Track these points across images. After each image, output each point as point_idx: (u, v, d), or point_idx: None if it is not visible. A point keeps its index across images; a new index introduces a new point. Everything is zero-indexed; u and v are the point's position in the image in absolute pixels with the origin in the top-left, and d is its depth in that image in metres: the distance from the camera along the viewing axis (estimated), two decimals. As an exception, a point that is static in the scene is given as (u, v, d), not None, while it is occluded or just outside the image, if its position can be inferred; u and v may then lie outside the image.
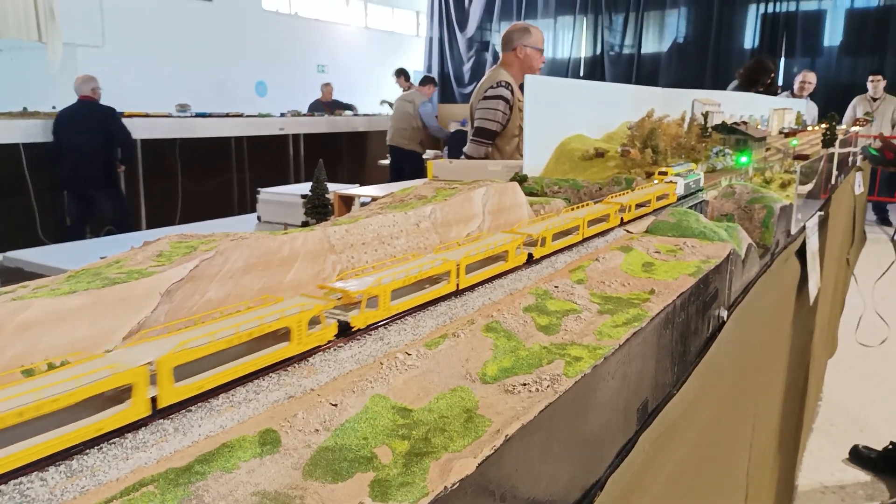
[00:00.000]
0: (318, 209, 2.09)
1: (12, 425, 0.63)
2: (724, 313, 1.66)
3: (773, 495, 2.85)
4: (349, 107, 12.45)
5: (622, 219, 1.85)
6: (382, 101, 11.57)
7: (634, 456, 1.15)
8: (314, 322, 0.94)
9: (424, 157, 9.08)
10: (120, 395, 0.72)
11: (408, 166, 9.42)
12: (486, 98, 4.45)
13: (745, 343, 1.93)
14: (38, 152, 7.49)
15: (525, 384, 0.92)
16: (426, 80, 10.56)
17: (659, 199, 2.11)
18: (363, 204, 3.13)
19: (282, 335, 0.90)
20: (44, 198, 7.64)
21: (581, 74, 16.14)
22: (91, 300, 0.97)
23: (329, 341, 0.96)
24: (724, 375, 1.71)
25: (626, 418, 1.16)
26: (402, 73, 11.60)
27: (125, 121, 7.82)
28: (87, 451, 0.68)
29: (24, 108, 8.63)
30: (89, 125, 7.31)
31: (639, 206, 1.96)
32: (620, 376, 1.10)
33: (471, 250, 1.28)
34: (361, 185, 3.84)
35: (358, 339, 1.02)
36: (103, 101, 7.56)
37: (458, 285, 1.22)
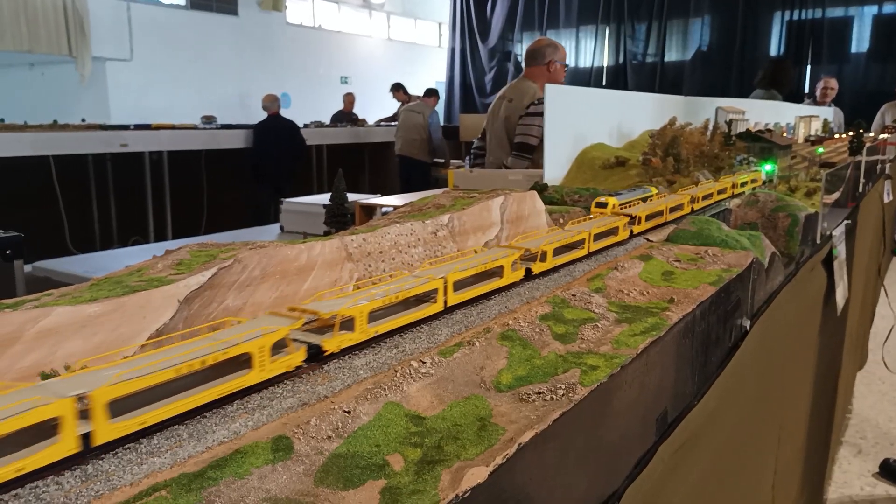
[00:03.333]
0: (337, 218, 2.11)
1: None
2: (747, 323, 1.63)
3: (800, 510, 2.79)
4: (355, 120, 12.48)
5: (529, 270, 1.37)
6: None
7: (653, 467, 1.13)
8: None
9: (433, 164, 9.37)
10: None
11: (416, 175, 9.54)
12: (528, 115, 4.54)
13: (770, 353, 1.90)
14: (67, 163, 7.65)
15: (540, 393, 0.92)
16: (430, 93, 10.68)
17: (568, 249, 1.55)
18: (385, 213, 3.15)
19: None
20: (73, 208, 7.78)
21: (604, 83, 16.08)
22: (111, 307, 0.99)
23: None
24: (747, 386, 1.68)
25: (645, 428, 1.14)
26: (399, 88, 11.77)
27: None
28: (103, 455, 0.69)
29: (55, 121, 8.80)
30: (278, 135, 9.20)
31: (544, 256, 1.41)
32: (638, 386, 1.09)
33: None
34: (384, 195, 3.86)
35: (373, 347, 1.02)
36: (133, 113, 7.77)
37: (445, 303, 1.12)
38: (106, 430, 0.68)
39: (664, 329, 1.16)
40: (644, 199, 2.01)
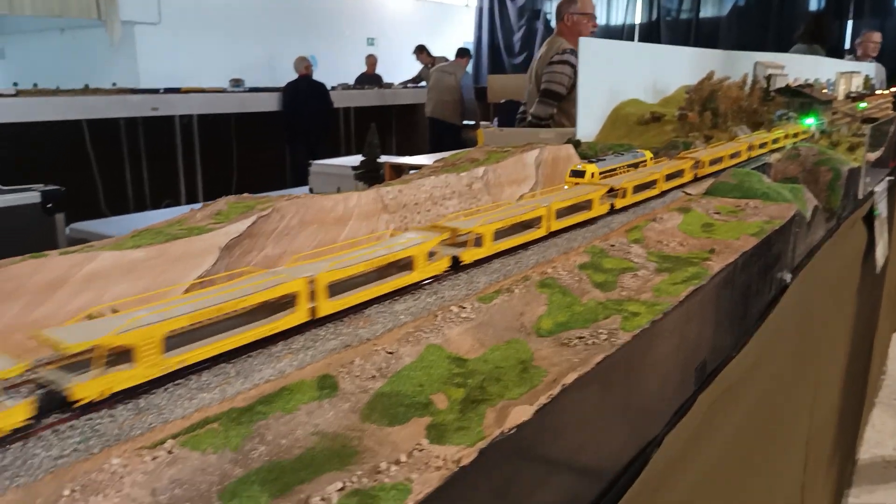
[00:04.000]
0: (370, 174, 2.11)
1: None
2: (788, 276, 1.60)
3: (834, 467, 2.78)
4: (379, 82, 12.35)
5: (613, 205, 1.54)
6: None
7: (692, 416, 1.13)
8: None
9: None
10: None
11: (447, 138, 9.43)
12: (552, 63, 4.56)
13: (808, 309, 1.87)
14: (100, 127, 7.73)
15: (581, 337, 0.91)
16: (462, 53, 10.51)
17: (643, 188, 1.67)
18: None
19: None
20: (106, 172, 7.89)
21: (636, 41, 15.68)
22: (154, 253, 1.00)
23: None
24: (785, 340, 1.66)
25: (684, 377, 1.14)
26: (423, 50, 11.61)
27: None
28: (154, 390, 0.70)
29: (86, 85, 8.87)
30: (308, 95, 9.29)
31: (625, 193, 1.58)
32: (679, 334, 1.08)
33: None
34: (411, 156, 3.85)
35: (412, 293, 1.02)
36: (162, 77, 7.80)
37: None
38: (325, 306, 0.87)
39: (706, 278, 1.14)
40: (635, 165, 1.81)
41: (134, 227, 1.26)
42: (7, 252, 0.95)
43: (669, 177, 1.77)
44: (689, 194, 1.79)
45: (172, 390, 0.71)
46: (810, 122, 3.02)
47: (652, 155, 1.94)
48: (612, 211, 1.53)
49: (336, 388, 0.75)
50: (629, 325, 0.94)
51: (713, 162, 1.98)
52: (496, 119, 9.96)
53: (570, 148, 1.93)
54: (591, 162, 1.69)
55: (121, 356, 0.67)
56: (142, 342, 0.67)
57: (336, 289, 0.90)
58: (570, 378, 0.79)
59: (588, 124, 3.01)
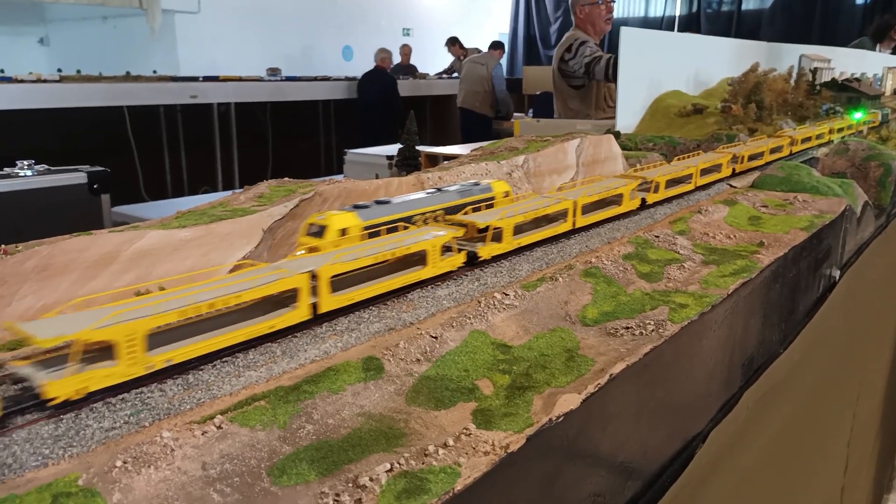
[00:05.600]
0: (409, 161, 2.10)
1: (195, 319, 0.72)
2: (837, 273, 1.56)
3: (872, 470, 2.71)
4: (413, 73, 12.33)
5: (734, 169, 1.90)
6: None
7: (738, 412, 1.10)
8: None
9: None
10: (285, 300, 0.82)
11: (476, 129, 9.35)
12: (569, 50, 4.45)
13: (856, 307, 1.82)
14: (140, 114, 7.86)
15: (628, 328, 0.89)
16: (496, 45, 10.45)
17: (754, 158, 2.01)
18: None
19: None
20: (146, 158, 8.01)
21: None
22: (200, 233, 1.01)
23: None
24: (832, 339, 1.62)
25: (731, 372, 1.11)
26: (455, 42, 11.59)
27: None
28: (202, 367, 0.71)
29: (127, 73, 9.01)
30: (379, 87, 9.64)
31: (743, 160, 1.91)
32: (727, 328, 1.05)
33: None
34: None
35: (455, 279, 1.01)
36: (201, 65, 7.82)
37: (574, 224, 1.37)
38: (580, 220, 1.26)
39: (755, 271, 1.11)
40: (447, 211, 1.17)
41: (176, 210, 1.28)
42: (56, 231, 0.96)
43: (773, 150, 2.11)
44: (734, 186, 1.75)
45: (220, 367, 0.71)
46: (860, 114, 2.94)
47: (508, 188, 1.32)
48: (734, 174, 1.88)
49: (381, 370, 0.75)
50: (677, 317, 0.92)
51: (804, 140, 2.33)
52: (531, 110, 9.89)
53: (610, 138, 1.90)
54: (354, 208, 1.06)
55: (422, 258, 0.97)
56: (431, 248, 0.97)
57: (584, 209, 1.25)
58: (617, 368, 0.77)
59: (627, 116, 2.96)
